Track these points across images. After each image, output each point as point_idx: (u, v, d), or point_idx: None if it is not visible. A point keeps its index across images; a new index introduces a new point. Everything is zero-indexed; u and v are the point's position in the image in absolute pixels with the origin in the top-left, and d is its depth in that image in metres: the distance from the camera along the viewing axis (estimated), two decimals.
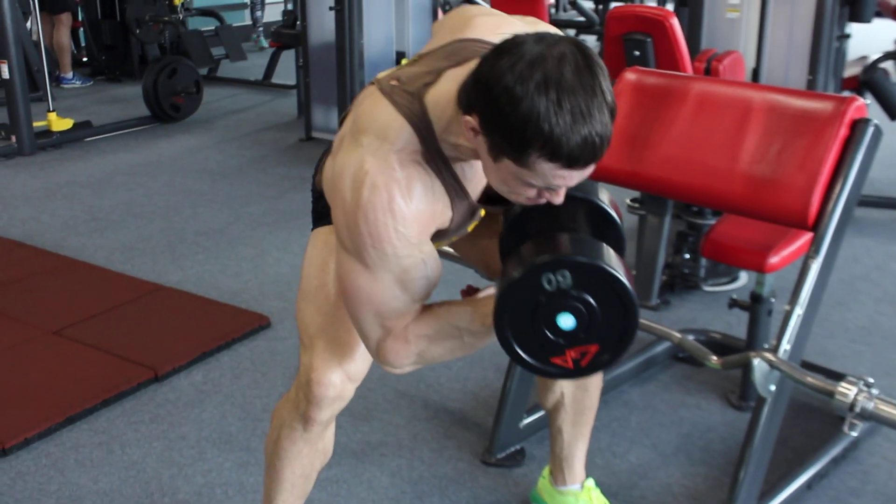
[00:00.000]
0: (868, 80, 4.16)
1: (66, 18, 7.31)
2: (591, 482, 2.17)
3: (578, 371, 1.44)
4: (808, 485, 2.29)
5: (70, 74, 7.55)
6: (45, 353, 3.00)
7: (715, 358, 2.04)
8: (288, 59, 8.08)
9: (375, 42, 5.21)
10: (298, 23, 5.94)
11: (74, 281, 3.62)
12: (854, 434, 1.72)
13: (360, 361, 1.70)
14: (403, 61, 5.37)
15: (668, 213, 3.28)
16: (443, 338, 1.52)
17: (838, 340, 3.15)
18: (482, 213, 1.73)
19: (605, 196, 1.61)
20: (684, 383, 2.89)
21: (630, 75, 2.44)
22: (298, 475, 1.83)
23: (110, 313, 3.28)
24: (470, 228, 1.72)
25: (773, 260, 2.40)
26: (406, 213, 1.41)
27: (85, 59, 8.11)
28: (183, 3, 7.17)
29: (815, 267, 1.99)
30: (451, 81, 1.41)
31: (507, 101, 1.24)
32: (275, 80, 7.69)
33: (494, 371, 2.92)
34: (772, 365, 1.91)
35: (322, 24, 5.55)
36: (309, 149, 5.74)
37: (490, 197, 1.59)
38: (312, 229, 1.76)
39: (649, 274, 3.30)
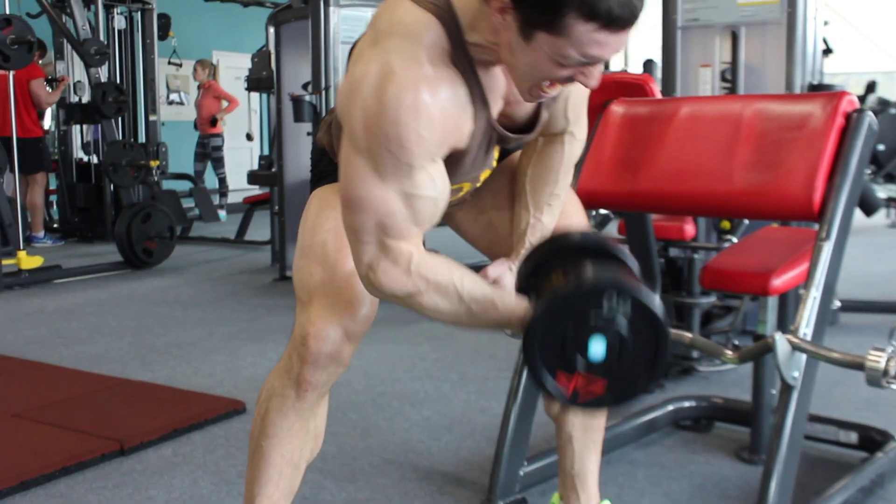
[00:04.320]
0: None
1: (40, 178, 7.35)
2: (608, 503, 1.97)
3: (570, 400, 1.36)
4: None
5: (41, 233, 7.51)
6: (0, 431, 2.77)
7: (730, 352, 1.92)
8: (261, 218, 8.16)
9: None
10: (274, 168, 6.01)
11: (35, 377, 3.42)
12: (894, 387, 1.60)
13: (360, 320, 1.57)
14: None
15: (657, 288, 3.22)
16: (441, 293, 1.41)
17: (845, 410, 3.00)
18: (494, 161, 1.68)
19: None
20: (690, 446, 2.71)
21: (616, 107, 2.44)
22: (287, 461, 1.64)
23: (74, 400, 3.07)
24: (483, 176, 1.65)
25: (777, 282, 2.31)
26: (432, 112, 1.33)
27: (56, 226, 8.09)
28: (158, 166, 7.27)
29: (827, 249, 1.92)
30: None
31: None
32: (248, 238, 7.71)
33: (487, 441, 2.72)
34: (794, 346, 1.80)
35: (298, 163, 5.62)
36: (283, 286, 5.64)
37: (506, 128, 1.54)
38: (311, 192, 1.69)
39: None
